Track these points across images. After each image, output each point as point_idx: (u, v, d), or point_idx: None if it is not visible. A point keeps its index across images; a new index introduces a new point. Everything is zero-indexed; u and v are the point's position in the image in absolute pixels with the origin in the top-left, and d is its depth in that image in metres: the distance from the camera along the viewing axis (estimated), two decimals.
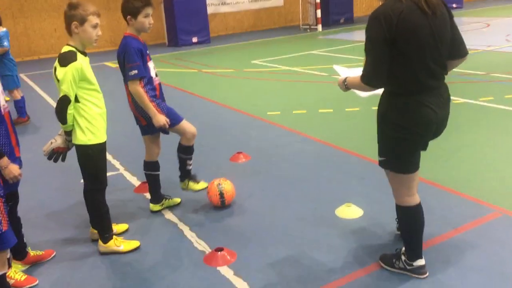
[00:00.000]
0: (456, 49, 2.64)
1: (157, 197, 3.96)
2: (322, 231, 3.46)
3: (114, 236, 3.41)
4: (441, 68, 2.59)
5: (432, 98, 2.57)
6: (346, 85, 2.77)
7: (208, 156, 5.05)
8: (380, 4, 2.58)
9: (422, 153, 2.78)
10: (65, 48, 3.14)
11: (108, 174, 3.40)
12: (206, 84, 9.18)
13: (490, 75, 7.83)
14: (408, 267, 2.83)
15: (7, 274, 2.94)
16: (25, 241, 3.28)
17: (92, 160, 3.21)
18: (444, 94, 2.66)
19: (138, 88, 3.55)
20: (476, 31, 12.97)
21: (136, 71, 3.51)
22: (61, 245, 3.55)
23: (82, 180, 3.39)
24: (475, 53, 9.19)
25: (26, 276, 3.10)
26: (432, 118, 2.58)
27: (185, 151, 3.87)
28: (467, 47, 2.73)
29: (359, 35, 14.29)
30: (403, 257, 2.85)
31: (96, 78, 3.25)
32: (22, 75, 10.94)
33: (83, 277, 3.15)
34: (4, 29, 6.74)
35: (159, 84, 3.79)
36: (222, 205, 3.91)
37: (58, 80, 3.06)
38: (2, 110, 2.88)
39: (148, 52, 3.70)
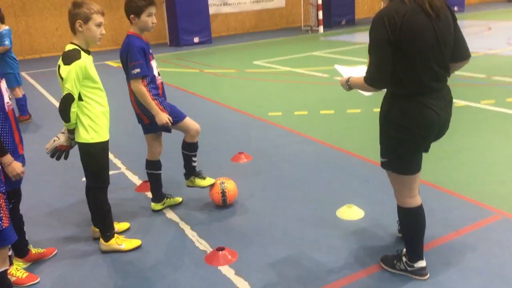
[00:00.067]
0: (459, 52, 2.65)
1: (158, 196, 3.97)
2: (323, 232, 3.47)
3: (115, 235, 3.42)
4: (444, 71, 2.60)
5: (434, 100, 2.58)
6: (349, 85, 2.78)
7: (210, 156, 5.06)
8: (384, 6, 2.60)
9: (424, 155, 2.79)
10: (69, 47, 3.15)
11: (110, 173, 3.41)
12: (207, 84, 9.20)
13: (491, 78, 7.84)
14: (409, 269, 2.84)
15: (8, 272, 2.95)
16: (26, 238, 3.29)
17: (95, 158, 3.22)
18: (446, 96, 2.67)
19: (141, 87, 3.56)
20: (478, 34, 12.98)
21: (138, 70, 3.53)
22: (63, 243, 3.56)
23: (84, 179, 3.40)
24: (476, 56, 9.20)
25: (27, 273, 3.11)
26: (434, 119, 2.59)
27: (189, 148, 3.87)
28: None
29: (361, 37, 14.31)
30: (404, 259, 2.86)
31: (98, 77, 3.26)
32: (24, 74, 10.96)
33: (84, 275, 3.16)
34: (7, 27, 6.75)
35: (162, 83, 3.80)
36: (223, 203, 3.92)
37: (61, 78, 3.08)
38: (6, 108, 2.89)
39: (150, 51, 3.71)
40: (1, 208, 2.60)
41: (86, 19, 3.09)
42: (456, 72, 2.80)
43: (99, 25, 3.15)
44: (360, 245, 3.26)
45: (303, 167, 4.72)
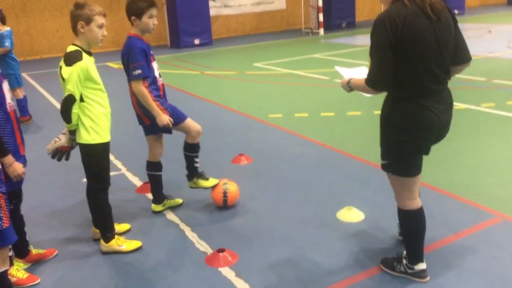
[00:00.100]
0: (459, 55, 2.66)
1: (159, 197, 3.97)
2: (323, 234, 3.47)
3: (116, 236, 3.42)
4: (444, 73, 2.61)
5: (435, 102, 2.59)
6: (350, 87, 2.79)
7: (210, 158, 5.06)
8: (385, 9, 2.61)
9: (424, 157, 2.80)
10: (71, 48, 3.16)
11: (110, 174, 3.42)
12: (208, 86, 9.21)
13: (491, 81, 7.85)
14: (409, 271, 2.84)
15: (9, 272, 2.95)
16: (27, 239, 3.29)
17: (96, 159, 3.23)
18: (447, 98, 2.68)
19: (142, 88, 3.57)
20: (478, 37, 13.01)
21: (140, 71, 3.54)
22: (63, 244, 3.56)
23: (84, 180, 3.40)
24: (476, 59, 9.22)
25: (28, 274, 3.11)
26: (435, 122, 2.59)
27: (191, 149, 3.88)
28: None
29: (361, 40, 14.33)
30: (404, 261, 2.86)
31: None
32: (24, 75, 10.96)
33: (85, 276, 3.16)
34: (8, 28, 6.76)
35: (163, 84, 3.81)
36: (224, 204, 3.92)
37: (63, 79, 3.08)
38: (8, 108, 2.90)
39: (151, 52, 3.72)
40: (1, 208, 2.60)
41: (88, 21, 3.11)
42: (457, 75, 2.81)
43: (101, 26, 3.16)
44: (360, 247, 3.26)
45: (304, 169, 4.73)
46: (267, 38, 16.44)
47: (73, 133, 3.20)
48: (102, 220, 3.39)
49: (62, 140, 3.28)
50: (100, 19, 3.15)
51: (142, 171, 4.15)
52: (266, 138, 5.77)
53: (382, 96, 2.75)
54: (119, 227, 3.64)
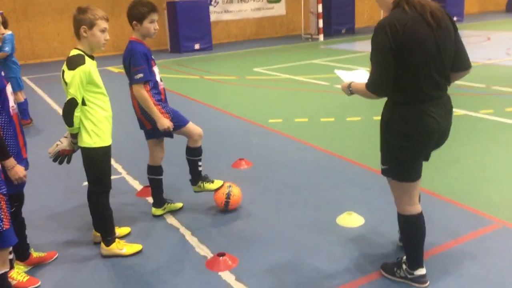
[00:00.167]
0: (460, 62, 2.68)
1: (159, 201, 3.98)
2: (323, 239, 3.48)
3: (116, 239, 3.43)
4: (444, 79, 2.63)
5: (435, 108, 2.61)
6: (350, 91, 2.81)
7: (210, 162, 5.06)
8: (385, 15, 2.63)
9: (423, 163, 2.81)
10: (73, 52, 3.18)
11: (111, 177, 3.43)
12: (208, 90, 9.23)
13: (490, 88, 7.89)
14: (409, 276, 2.85)
15: (9, 275, 2.96)
16: (28, 242, 3.30)
17: (97, 163, 3.24)
18: (447, 104, 2.70)
19: (143, 92, 3.59)
20: (477, 44, 13.06)
21: (141, 75, 3.56)
22: (64, 247, 3.57)
23: (85, 183, 3.41)
24: (475, 66, 9.23)
25: (28, 277, 3.12)
26: (435, 127, 2.61)
27: (193, 153, 3.89)
28: None
29: (361, 46, 14.39)
30: (404, 266, 2.87)
31: None
32: (25, 78, 10.96)
33: (85, 280, 3.17)
34: (10, 32, 6.78)
35: (164, 88, 3.83)
36: (225, 206, 3.93)
37: (66, 83, 3.10)
38: (11, 111, 2.91)
39: (152, 57, 3.74)
40: (1, 210, 2.61)
41: (91, 25, 3.13)
42: (456, 81, 2.83)
43: (103, 30, 3.18)
44: (360, 252, 3.27)
45: (304, 174, 4.74)
46: (267, 43, 16.49)
47: (75, 136, 3.22)
48: (103, 224, 3.40)
49: (64, 143, 3.30)
50: (102, 24, 3.17)
51: (143, 174, 4.16)
52: (266, 143, 5.79)
53: (382, 101, 2.77)
54: (120, 231, 3.65)
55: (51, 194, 4.60)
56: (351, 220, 3.69)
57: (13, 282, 3.01)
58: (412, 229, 2.84)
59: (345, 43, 15.28)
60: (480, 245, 3.27)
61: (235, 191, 3.95)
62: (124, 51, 3.69)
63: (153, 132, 3.77)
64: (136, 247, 3.45)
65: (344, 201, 4.07)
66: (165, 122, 3.63)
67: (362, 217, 3.72)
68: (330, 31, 17.08)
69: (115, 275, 3.21)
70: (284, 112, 7.11)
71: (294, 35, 18.54)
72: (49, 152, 3.33)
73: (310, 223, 3.73)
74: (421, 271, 2.84)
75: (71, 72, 3.06)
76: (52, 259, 3.40)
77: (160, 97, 3.73)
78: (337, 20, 17.41)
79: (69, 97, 3.07)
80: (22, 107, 7.03)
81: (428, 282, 2.84)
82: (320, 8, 16.03)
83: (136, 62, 3.56)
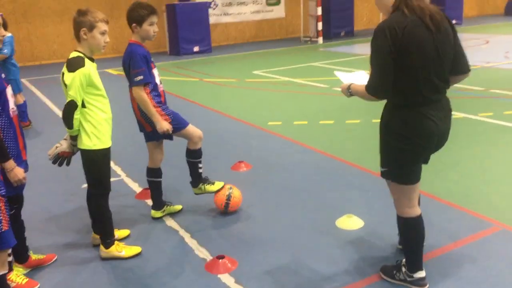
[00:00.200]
0: (459, 65, 2.69)
1: (158, 203, 3.98)
2: (323, 241, 3.48)
3: (115, 242, 3.43)
4: (443, 83, 2.64)
5: (434, 111, 2.61)
6: (350, 92, 2.81)
7: (209, 165, 5.06)
8: (385, 18, 2.64)
9: (423, 166, 2.82)
10: (73, 54, 3.18)
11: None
12: (207, 93, 9.24)
13: (489, 91, 7.90)
14: (408, 279, 2.85)
15: (9, 277, 2.96)
16: (27, 244, 3.29)
17: (97, 165, 3.24)
18: (445, 107, 2.71)
19: (142, 94, 3.59)
20: (476, 47, 13.09)
21: (141, 77, 3.56)
22: (63, 249, 3.56)
23: (84, 185, 3.41)
24: (474, 69, 9.25)
25: (27, 279, 3.11)
26: (434, 130, 2.62)
27: (194, 155, 3.89)
28: None
29: (360, 49, 14.41)
30: (403, 269, 2.87)
31: None
32: (24, 80, 10.97)
33: (84, 282, 3.16)
34: (10, 34, 6.78)
35: (163, 91, 3.84)
36: (225, 208, 3.93)
37: (65, 85, 3.10)
38: (11, 113, 2.91)
39: (152, 59, 3.75)
40: (0, 211, 2.61)
41: (91, 27, 3.13)
42: (455, 85, 2.83)
43: (103, 33, 3.19)
44: (360, 255, 3.27)
45: (303, 176, 4.74)
46: (266, 46, 16.51)
47: (74, 138, 3.22)
48: (103, 226, 3.39)
49: (63, 145, 3.29)
50: (102, 26, 3.18)
51: (142, 177, 4.16)
52: (265, 146, 5.79)
53: (381, 104, 2.77)
54: (119, 233, 3.65)
55: (50, 196, 4.59)
56: (350, 222, 3.69)
57: (12, 285, 3.01)
58: (411, 232, 2.84)
59: (344, 46, 15.31)
60: (479, 248, 3.27)
61: (236, 193, 3.95)
62: (123, 53, 3.69)
63: (152, 135, 3.77)
64: (136, 249, 3.44)
65: (343, 203, 4.07)
66: (164, 125, 3.63)
67: (362, 220, 3.72)
68: (329, 33, 17.10)
69: (115, 277, 3.21)
70: (284, 115, 7.12)
71: (293, 37, 18.56)
72: (48, 154, 3.33)
73: (309, 225, 3.73)
74: (421, 274, 2.84)
75: (71, 74, 3.06)
76: (51, 261, 3.39)
77: (160, 99, 3.74)
78: (336, 23, 17.44)
79: (69, 99, 3.07)
80: (21, 109, 7.03)
81: (428, 285, 2.84)
82: (319, 11, 16.05)
83: (136, 65, 3.57)
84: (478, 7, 23.84)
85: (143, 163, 4.02)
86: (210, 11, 16.11)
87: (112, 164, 5.09)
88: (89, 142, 3.18)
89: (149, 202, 4.12)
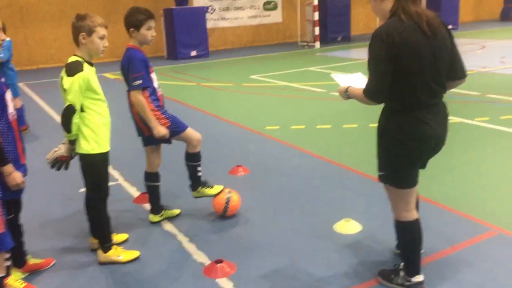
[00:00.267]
0: (455, 71, 2.71)
1: (156, 208, 3.98)
2: (321, 246, 3.49)
3: (113, 246, 3.42)
4: (440, 87, 2.66)
5: (431, 115, 2.63)
6: (348, 95, 2.83)
7: (207, 169, 5.05)
8: (382, 23, 2.66)
9: (420, 171, 2.83)
10: (72, 58, 3.19)
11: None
12: (205, 97, 9.25)
13: (485, 96, 7.94)
14: (406, 283, 2.86)
15: (6, 282, 2.95)
16: (25, 248, 3.29)
17: (96, 169, 3.25)
18: (443, 111, 2.73)
19: (141, 98, 3.60)
20: (472, 52, 13.16)
21: (140, 81, 3.57)
22: (61, 253, 3.56)
23: (81, 189, 3.41)
24: (470, 74, 9.27)
25: (25, 284, 3.09)
26: (430, 134, 2.64)
27: (193, 159, 3.90)
28: None
29: (356, 53, 14.46)
30: (401, 273, 2.88)
31: None
32: (21, 84, 10.95)
33: (82, 286, 3.16)
34: (8, 38, 6.77)
35: (162, 95, 3.85)
36: (223, 212, 3.93)
37: (64, 90, 3.11)
38: (10, 118, 2.92)
39: (150, 64, 3.76)
40: None
41: (90, 32, 3.14)
42: (451, 89, 2.85)
43: (102, 37, 3.20)
44: (358, 259, 3.28)
45: (301, 181, 4.75)
46: (263, 50, 16.56)
47: (73, 142, 3.22)
48: (101, 230, 3.39)
49: (61, 149, 3.30)
50: (101, 31, 3.19)
51: (139, 181, 4.16)
52: (263, 150, 5.80)
53: (378, 109, 2.79)
54: (117, 237, 3.64)
55: (47, 201, 4.59)
56: (348, 226, 3.69)
57: None
58: (409, 235, 2.86)
59: (341, 51, 15.37)
60: (477, 252, 3.29)
61: (235, 197, 3.96)
62: (122, 58, 3.70)
63: (151, 139, 3.77)
64: (134, 253, 3.44)
65: (341, 207, 4.08)
66: (161, 130, 3.64)
67: (360, 224, 3.73)
68: (326, 38, 17.18)
69: (113, 282, 3.21)
70: (281, 119, 7.14)
71: (291, 42, 18.62)
72: (47, 159, 3.33)
73: (307, 229, 3.74)
74: (419, 278, 2.85)
75: (70, 78, 3.07)
76: (49, 266, 3.38)
77: (159, 103, 3.75)
78: (333, 27, 17.52)
79: (67, 103, 3.08)
80: (19, 113, 6.94)
81: None
82: (316, 15, 16.13)
83: (134, 69, 3.58)
84: (474, 13, 23.99)
85: (141, 168, 4.02)
86: (208, 15, 16.16)
87: (110, 168, 5.10)
88: (87, 147, 3.18)
89: (147, 206, 4.12)
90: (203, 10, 15.56)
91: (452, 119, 5.76)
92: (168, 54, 15.55)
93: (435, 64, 2.58)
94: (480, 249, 3.33)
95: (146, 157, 3.93)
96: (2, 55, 6.60)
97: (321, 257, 3.33)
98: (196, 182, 3.96)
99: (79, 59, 3.17)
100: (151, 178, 3.94)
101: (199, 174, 3.95)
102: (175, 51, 14.97)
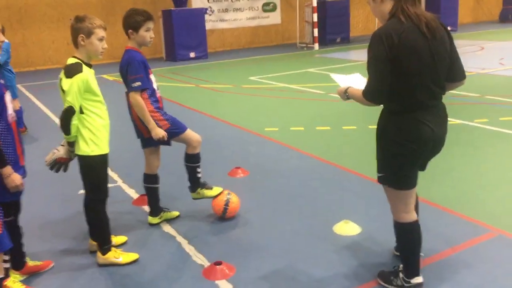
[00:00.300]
0: (454, 73, 2.71)
1: (156, 210, 3.97)
2: (320, 247, 3.48)
3: (113, 248, 3.42)
4: (440, 89, 2.66)
5: (430, 116, 2.63)
6: (347, 96, 2.83)
7: (206, 171, 5.04)
8: (381, 25, 2.66)
9: (419, 172, 2.83)
10: (71, 60, 3.19)
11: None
12: (203, 99, 9.25)
13: (485, 97, 7.95)
14: (406, 285, 2.86)
15: (5, 284, 2.94)
16: (24, 250, 3.28)
17: (95, 170, 3.24)
18: (442, 113, 2.73)
19: (139, 100, 3.60)
20: (471, 54, 13.18)
21: (139, 83, 3.57)
22: (60, 255, 3.55)
23: (80, 191, 3.40)
24: (469, 76, 9.30)
25: (24, 286, 3.08)
26: (429, 135, 2.64)
27: (192, 160, 3.89)
28: None
29: (355, 55, 14.48)
30: (401, 274, 2.88)
31: None
32: (19, 86, 10.93)
33: None
34: (6, 40, 6.76)
35: (160, 96, 3.84)
36: (223, 214, 3.93)
37: (63, 91, 3.10)
38: (10, 119, 2.91)
39: (149, 65, 3.76)
40: None
41: (89, 34, 3.14)
42: (450, 91, 2.86)
43: (101, 39, 3.19)
44: (357, 261, 3.27)
45: (300, 182, 4.75)
46: (262, 52, 16.56)
47: (72, 144, 3.22)
48: (100, 232, 3.39)
49: (60, 151, 3.29)
50: (100, 32, 3.18)
51: (139, 183, 4.15)
52: (262, 152, 5.80)
53: (378, 110, 2.79)
54: (116, 239, 3.63)
55: (46, 203, 4.58)
56: (347, 228, 3.69)
57: None
58: (408, 237, 2.85)
59: (340, 52, 15.38)
60: (476, 253, 3.29)
61: (234, 199, 3.95)
62: (120, 59, 3.70)
63: (150, 141, 3.77)
64: (133, 256, 3.43)
65: (340, 209, 4.07)
66: (159, 132, 3.64)
67: (359, 225, 3.72)
68: (325, 40, 17.20)
69: (112, 284, 3.20)
70: (280, 121, 7.14)
71: (289, 43, 18.64)
72: (45, 160, 3.32)
73: (306, 231, 3.74)
74: (418, 280, 2.84)
75: (69, 80, 3.07)
76: (48, 267, 3.38)
77: (158, 104, 3.75)
78: (332, 29, 17.55)
79: (66, 105, 3.08)
80: (17, 115, 6.99)
81: None
82: (315, 17, 16.15)
83: (133, 71, 3.58)
84: (473, 14, 24.04)
85: (140, 169, 4.01)
86: (206, 17, 16.16)
87: (109, 170, 5.09)
88: (87, 148, 3.17)
89: (146, 208, 4.11)
90: (202, 12, 15.57)
91: (451, 120, 5.76)
92: (166, 56, 15.56)
93: (434, 65, 2.58)
94: (480, 250, 3.32)
95: (145, 159, 3.92)
96: (0, 57, 6.59)
97: (320, 259, 3.33)
98: (195, 184, 3.96)
99: (78, 60, 3.16)
100: (150, 180, 3.93)
101: (199, 175, 3.94)
102: (174, 52, 14.97)
